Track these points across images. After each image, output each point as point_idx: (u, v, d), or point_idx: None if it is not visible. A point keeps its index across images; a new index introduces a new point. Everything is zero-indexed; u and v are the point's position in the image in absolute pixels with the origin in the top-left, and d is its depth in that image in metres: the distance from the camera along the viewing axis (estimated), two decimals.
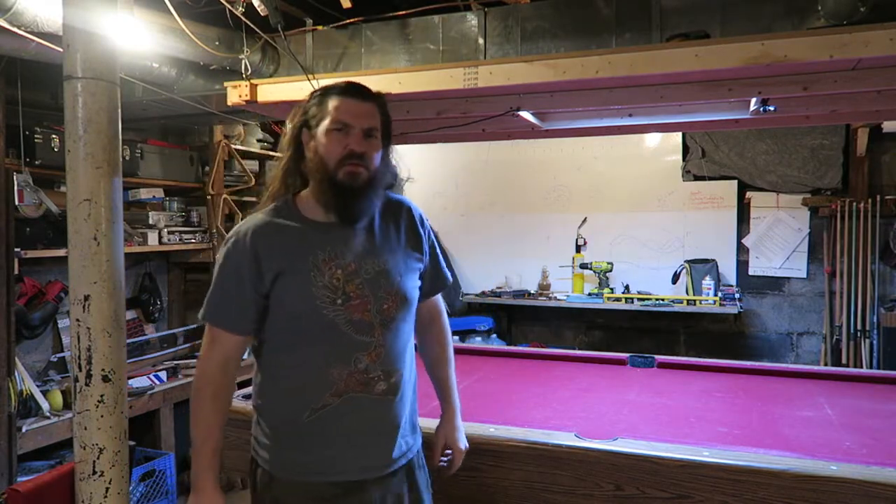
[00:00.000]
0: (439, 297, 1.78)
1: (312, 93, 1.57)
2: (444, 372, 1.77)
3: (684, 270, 4.79)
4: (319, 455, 1.49)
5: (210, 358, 1.52)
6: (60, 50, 1.74)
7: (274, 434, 1.53)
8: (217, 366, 1.52)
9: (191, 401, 1.55)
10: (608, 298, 4.83)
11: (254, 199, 4.43)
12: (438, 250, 1.72)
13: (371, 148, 1.49)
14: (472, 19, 2.57)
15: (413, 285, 1.60)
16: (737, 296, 4.61)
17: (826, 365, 4.43)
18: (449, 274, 1.76)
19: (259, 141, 4.52)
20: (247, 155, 4.38)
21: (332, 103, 1.49)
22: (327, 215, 1.52)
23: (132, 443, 1.83)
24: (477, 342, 4.82)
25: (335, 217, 1.51)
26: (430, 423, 1.76)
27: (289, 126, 1.59)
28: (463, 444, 1.75)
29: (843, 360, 4.37)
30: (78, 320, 1.68)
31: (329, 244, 1.50)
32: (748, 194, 4.76)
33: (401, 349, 1.55)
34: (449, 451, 1.74)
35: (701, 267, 4.75)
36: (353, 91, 1.51)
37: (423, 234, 1.66)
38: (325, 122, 1.48)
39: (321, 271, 1.47)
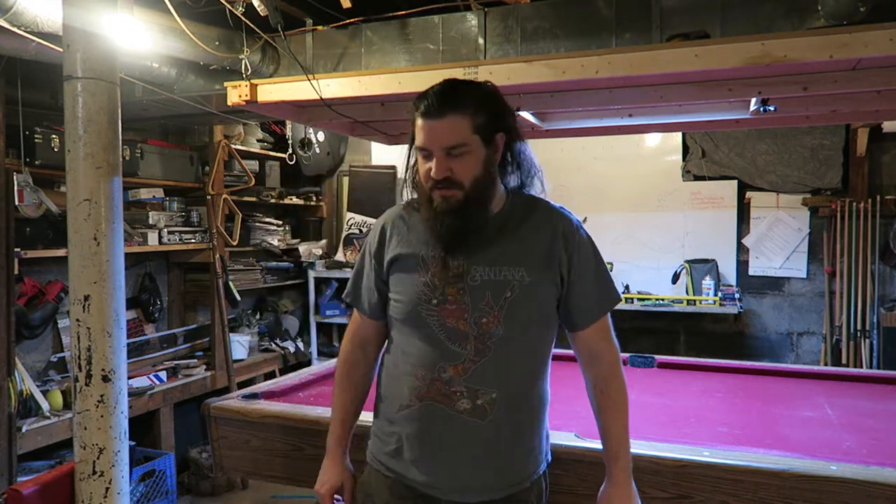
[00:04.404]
0: (605, 342, 1.52)
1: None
2: (607, 421, 1.49)
3: (684, 270, 4.78)
4: (399, 453, 1.47)
5: (348, 336, 1.61)
6: (60, 50, 1.74)
7: (375, 422, 1.56)
8: (352, 343, 1.60)
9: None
10: None
11: (254, 199, 4.44)
12: (597, 275, 1.51)
13: (459, 166, 1.36)
14: (472, 19, 2.57)
15: (535, 306, 1.42)
16: (737, 296, 4.61)
17: (826, 365, 4.42)
18: (608, 303, 1.53)
19: (259, 141, 4.52)
20: (247, 155, 4.38)
21: (417, 123, 1.39)
22: None
23: (132, 443, 1.83)
24: None
25: (436, 241, 1.41)
26: None
27: None
28: None
29: (843, 360, 4.37)
30: (78, 320, 1.68)
31: None
32: (748, 194, 4.76)
33: (500, 371, 1.39)
34: None
35: (701, 267, 4.74)
36: (428, 110, 1.36)
37: (572, 252, 1.46)
38: (416, 144, 1.41)
39: (427, 267, 1.42)
